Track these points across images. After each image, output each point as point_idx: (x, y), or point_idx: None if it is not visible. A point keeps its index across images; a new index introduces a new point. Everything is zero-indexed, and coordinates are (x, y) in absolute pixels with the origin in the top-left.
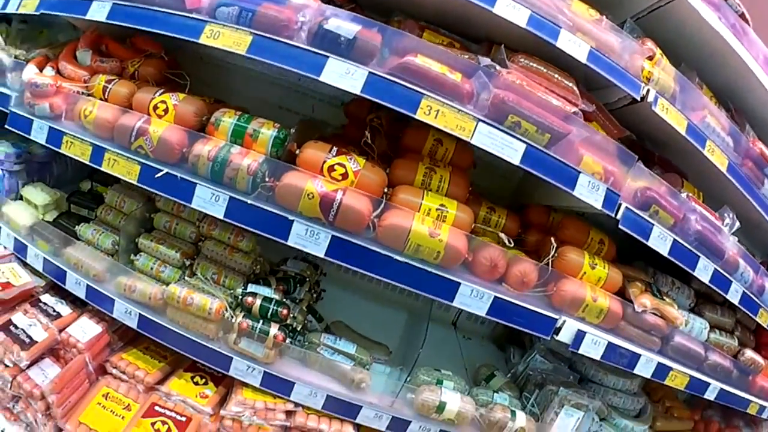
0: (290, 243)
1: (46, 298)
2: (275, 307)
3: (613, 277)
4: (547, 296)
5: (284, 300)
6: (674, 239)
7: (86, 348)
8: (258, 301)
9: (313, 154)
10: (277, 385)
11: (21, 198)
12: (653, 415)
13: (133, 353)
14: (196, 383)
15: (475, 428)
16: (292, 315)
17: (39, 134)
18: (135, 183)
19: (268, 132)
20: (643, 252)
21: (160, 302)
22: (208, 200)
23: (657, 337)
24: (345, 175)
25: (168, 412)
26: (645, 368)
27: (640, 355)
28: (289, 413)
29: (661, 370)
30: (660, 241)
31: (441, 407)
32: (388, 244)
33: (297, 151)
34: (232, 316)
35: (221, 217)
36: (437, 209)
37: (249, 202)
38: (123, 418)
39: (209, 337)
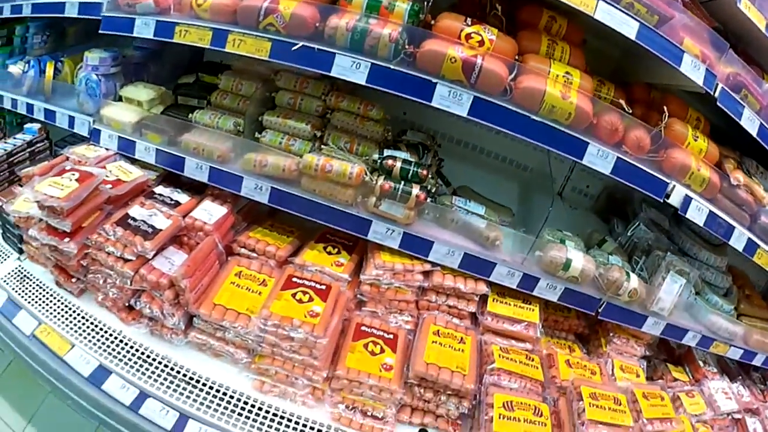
0: (434, 104)
1: (160, 189)
2: (415, 169)
3: (711, 151)
4: (659, 162)
5: (420, 162)
6: (761, 122)
7: (214, 229)
8: (398, 164)
9: (450, 23)
10: (415, 246)
11: (120, 100)
12: (737, 298)
13: (259, 231)
14: (329, 253)
15: (594, 287)
16: (430, 176)
17: (144, 30)
18: (266, 59)
19: (403, 5)
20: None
21: (295, 173)
22: (349, 68)
23: (747, 214)
24: (481, 43)
25: (306, 282)
26: (738, 241)
27: (734, 227)
28: (425, 274)
29: (751, 246)
30: (749, 123)
31: (567, 265)
32: (524, 105)
33: (432, 22)
34: (372, 180)
35: (363, 82)
36: (563, 76)
37: (392, 67)
38: (260, 293)
39: (347, 203)
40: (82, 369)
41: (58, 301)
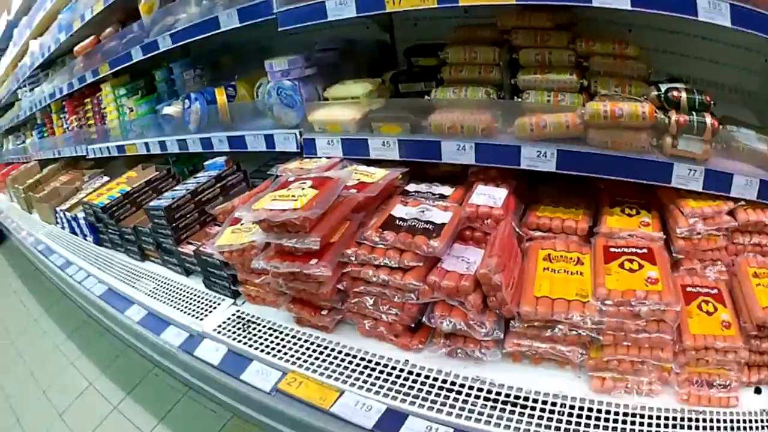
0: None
1: (412, 187)
2: (698, 96)
3: None
4: None
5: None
6: None
7: (504, 211)
8: (683, 94)
9: None
10: (717, 183)
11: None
12: None
13: (546, 209)
14: (630, 215)
15: None
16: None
17: (343, 9)
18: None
19: None
20: None
21: (580, 127)
22: None
23: None
24: None
25: (626, 250)
26: None
27: None
28: (730, 213)
29: None
30: None
31: None
32: None
33: None
34: (665, 116)
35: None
36: None
37: None
38: (581, 274)
39: (643, 149)
40: (363, 420)
41: (304, 341)
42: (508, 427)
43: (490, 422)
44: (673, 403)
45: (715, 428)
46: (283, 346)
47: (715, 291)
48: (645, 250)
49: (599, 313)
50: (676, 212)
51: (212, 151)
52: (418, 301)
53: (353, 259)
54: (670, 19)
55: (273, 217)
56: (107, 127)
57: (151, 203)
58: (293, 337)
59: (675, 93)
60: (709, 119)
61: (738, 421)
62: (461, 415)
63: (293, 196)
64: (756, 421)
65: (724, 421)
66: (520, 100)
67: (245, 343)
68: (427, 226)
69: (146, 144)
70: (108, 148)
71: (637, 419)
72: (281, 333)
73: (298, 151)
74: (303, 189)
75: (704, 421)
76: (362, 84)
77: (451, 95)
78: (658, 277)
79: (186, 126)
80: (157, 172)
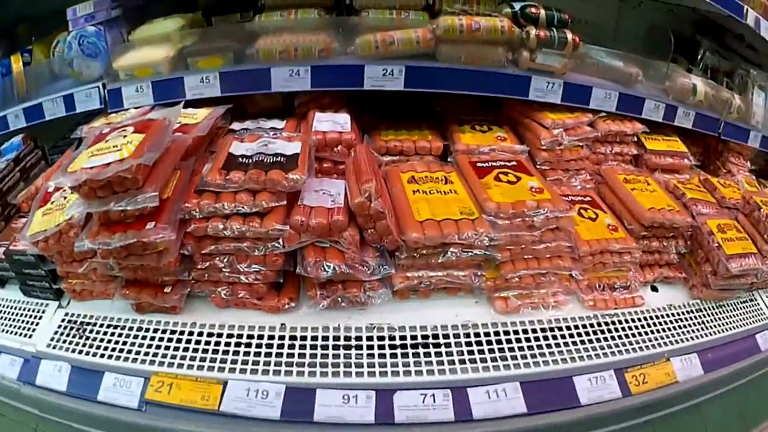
0: None
1: (237, 125)
2: (556, 13)
3: None
4: None
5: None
6: None
7: (354, 135)
8: (542, 10)
9: None
10: (576, 96)
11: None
12: None
13: (389, 134)
14: (482, 131)
15: (712, 109)
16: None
17: None
18: None
19: None
20: None
21: (432, 42)
22: None
23: None
24: None
25: (494, 163)
26: None
27: None
28: (590, 125)
29: None
30: None
31: (694, 90)
32: None
33: None
34: (523, 31)
35: None
36: None
37: None
38: (455, 192)
39: (500, 63)
40: (266, 411)
41: (153, 331)
42: (431, 372)
43: (409, 372)
44: (583, 312)
45: (627, 328)
46: (133, 344)
47: (588, 199)
48: (514, 163)
49: (494, 228)
50: (534, 126)
51: (9, 131)
52: (284, 250)
53: (196, 213)
54: None
55: (96, 175)
56: None
57: None
58: (140, 329)
59: (533, 9)
60: (570, 35)
61: (648, 318)
62: (374, 373)
63: (115, 146)
64: (662, 317)
65: (635, 320)
66: (359, 18)
67: (88, 353)
68: (278, 159)
69: None
70: None
71: (549, 333)
72: (124, 328)
73: (102, 107)
74: (125, 137)
75: (618, 323)
76: (173, 20)
77: (278, 18)
78: (540, 186)
79: None
80: None
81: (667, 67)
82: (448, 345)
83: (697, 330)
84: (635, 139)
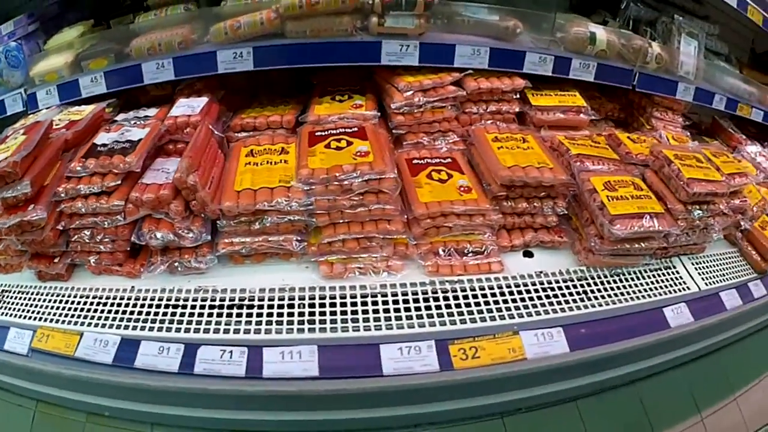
0: None
1: (121, 116)
2: None
3: None
4: None
5: None
6: None
7: (201, 117)
8: None
9: None
10: (437, 56)
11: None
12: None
13: (252, 112)
14: (341, 101)
15: (622, 59)
16: None
17: None
18: None
19: None
20: None
21: (277, 21)
22: None
23: None
24: None
25: (334, 131)
26: None
27: None
28: (457, 84)
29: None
30: None
31: (593, 38)
32: None
33: None
34: None
35: None
36: None
37: None
38: (286, 162)
39: (348, 33)
40: (103, 357)
41: (47, 295)
42: (237, 331)
43: (219, 330)
44: (422, 278)
45: (472, 296)
46: (32, 305)
47: (449, 160)
48: (355, 129)
49: (305, 193)
50: (391, 89)
51: None
52: (126, 222)
53: (64, 195)
54: None
55: None
56: None
57: None
58: (39, 294)
59: None
60: None
61: (504, 287)
62: (189, 329)
63: (7, 147)
64: (523, 285)
65: (485, 288)
66: (218, 9)
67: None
68: (124, 146)
69: None
70: None
71: (371, 299)
72: (30, 294)
73: (25, 109)
74: (16, 138)
75: (461, 290)
76: (75, 28)
77: (153, 18)
78: (368, 150)
79: None
80: None
81: (554, 16)
82: (261, 307)
83: (573, 302)
84: (517, 96)
